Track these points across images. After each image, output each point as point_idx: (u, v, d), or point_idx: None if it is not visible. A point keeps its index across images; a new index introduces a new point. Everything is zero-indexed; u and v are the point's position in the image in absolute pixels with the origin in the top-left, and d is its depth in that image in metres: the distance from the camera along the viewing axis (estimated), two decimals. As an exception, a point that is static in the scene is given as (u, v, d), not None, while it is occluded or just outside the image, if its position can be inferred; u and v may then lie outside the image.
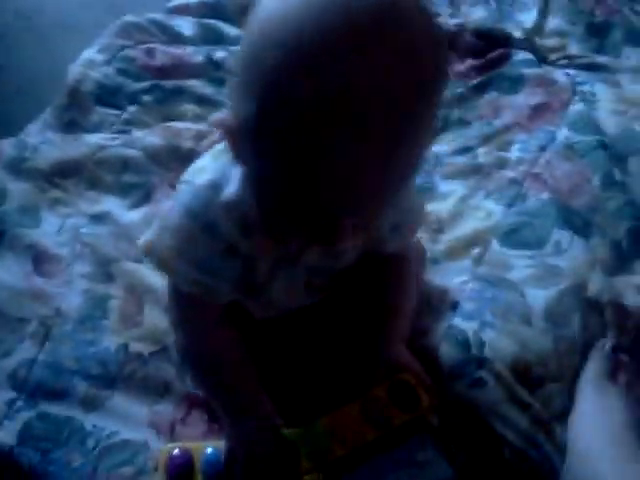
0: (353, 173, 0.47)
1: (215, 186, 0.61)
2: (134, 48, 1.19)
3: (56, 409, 0.78)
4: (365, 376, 0.74)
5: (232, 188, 0.60)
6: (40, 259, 0.93)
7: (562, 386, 0.77)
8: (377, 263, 0.75)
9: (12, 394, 0.79)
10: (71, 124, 1.11)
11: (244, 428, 0.68)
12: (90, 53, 1.19)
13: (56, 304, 0.88)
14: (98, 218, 0.98)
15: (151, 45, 1.20)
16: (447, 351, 0.78)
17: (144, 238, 0.67)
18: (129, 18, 1.24)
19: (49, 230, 0.97)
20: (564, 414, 0.75)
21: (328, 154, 0.46)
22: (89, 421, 0.78)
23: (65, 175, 1.03)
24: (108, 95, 1.14)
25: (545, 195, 0.97)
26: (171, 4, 1.31)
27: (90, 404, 0.79)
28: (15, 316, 0.86)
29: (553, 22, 1.25)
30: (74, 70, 1.16)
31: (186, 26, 1.25)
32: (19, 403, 0.79)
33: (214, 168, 0.63)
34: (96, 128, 1.11)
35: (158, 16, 1.26)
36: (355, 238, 0.54)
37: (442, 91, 0.49)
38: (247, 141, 0.50)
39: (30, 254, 0.93)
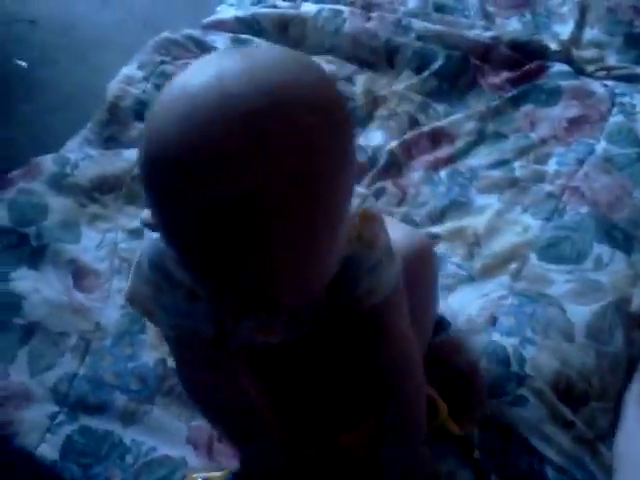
0: (270, 266, 0.47)
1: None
2: (171, 64, 1.21)
3: (96, 423, 0.80)
4: (376, 391, 0.71)
5: None
6: (80, 274, 0.95)
7: (606, 404, 0.76)
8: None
9: (54, 408, 0.81)
10: (110, 140, 1.13)
11: (253, 452, 0.68)
12: (129, 69, 1.21)
13: (95, 318, 0.89)
14: (136, 233, 1.00)
15: (188, 60, 1.22)
16: (486, 367, 0.77)
17: (127, 287, 0.67)
18: (166, 34, 1.26)
19: (89, 245, 0.98)
20: (609, 433, 0.73)
21: (240, 255, 0.46)
22: (128, 436, 0.78)
23: (104, 190, 1.05)
24: (147, 111, 1.15)
25: (584, 209, 0.96)
26: (207, 20, 1.33)
27: (129, 419, 0.80)
28: (56, 330, 0.88)
29: (590, 33, 1.24)
30: (113, 87, 1.18)
31: (221, 41, 1.26)
32: (61, 417, 0.80)
33: None
34: (135, 143, 1.12)
35: (194, 32, 1.28)
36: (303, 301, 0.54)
37: (341, 164, 0.48)
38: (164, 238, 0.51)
39: (70, 269, 0.95)
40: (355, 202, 0.58)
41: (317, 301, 0.63)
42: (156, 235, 0.60)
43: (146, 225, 0.58)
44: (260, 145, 0.43)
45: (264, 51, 0.50)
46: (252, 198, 0.43)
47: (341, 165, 0.48)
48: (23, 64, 1.47)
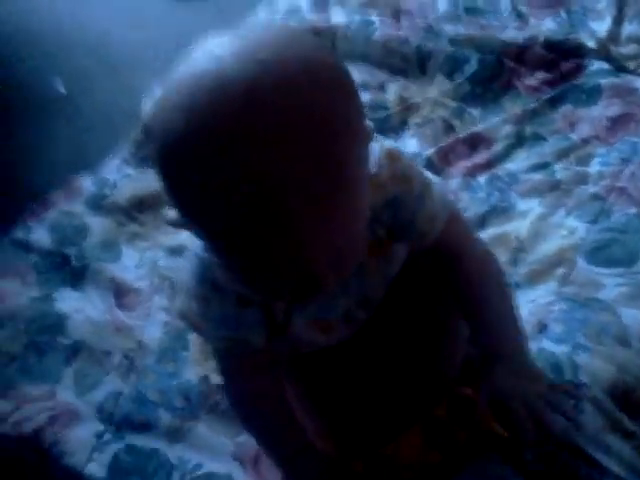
0: (302, 248, 0.47)
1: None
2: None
3: (142, 441, 0.80)
4: (424, 397, 0.72)
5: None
6: (121, 293, 0.95)
7: (667, 412, 0.72)
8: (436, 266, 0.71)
9: (100, 426, 0.81)
10: (147, 159, 1.13)
11: (295, 467, 0.68)
12: (162, 88, 1.22)
13: (138, 337, 0.89)
14: (175, 250, 1.00)
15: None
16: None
17: (176, 304, 0.68)
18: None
19: (129, 264, 0.99)
20: (671, 443, 0.70)
21: (270, 241, 0.46)
22: (174, 453, 0.78)
23: (142, 209, 1.06)
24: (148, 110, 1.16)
25: (632, 209, 0.92)
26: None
27: (174, 436, 0.80)
28: (100, 349, 0.88)
29: (629, 28, 1.20)
30: (148, 104, 1.19)
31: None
32: (107, 435, 0.80)
33: None
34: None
35: (226, 49, 1.28)
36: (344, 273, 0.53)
37: (355, 141, 0.47)
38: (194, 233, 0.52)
39: (111, 288, 0.96)
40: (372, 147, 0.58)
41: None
42: (197, 250, 0.61)
43: (170, 224, 0.59)
44: (265, 122, 0.42)
45: (254, 29, 0.50)
46: (262, 178, 0.43)
47: (349, 128, 0.47)
48: (62, 91, 1.50)
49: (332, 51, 0.50)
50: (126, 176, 1.09)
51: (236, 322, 0.64)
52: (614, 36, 1.20)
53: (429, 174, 0.66)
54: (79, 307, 0.93)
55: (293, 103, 0.43)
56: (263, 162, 0.43)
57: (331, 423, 0.74)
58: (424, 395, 0.73)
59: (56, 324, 0.90)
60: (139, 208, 1.06)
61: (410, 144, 1.10)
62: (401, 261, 0.67)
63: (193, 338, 0.88)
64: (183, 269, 0.64)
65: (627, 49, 1.17)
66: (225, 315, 0.63)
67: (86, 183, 1.08)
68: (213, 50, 0.45)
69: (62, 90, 1.50)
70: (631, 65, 1.15)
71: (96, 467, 0.78)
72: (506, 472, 0.67)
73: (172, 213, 0.51)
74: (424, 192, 0.63)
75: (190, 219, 0.48)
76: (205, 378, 0.83)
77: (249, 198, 0.43)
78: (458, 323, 0.73)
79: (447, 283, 0.71)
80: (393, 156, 0.61)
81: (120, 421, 0.81)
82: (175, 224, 0.53)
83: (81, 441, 0.80)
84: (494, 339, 0.68)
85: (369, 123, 0.52)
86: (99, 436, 0.80)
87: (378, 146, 0.60)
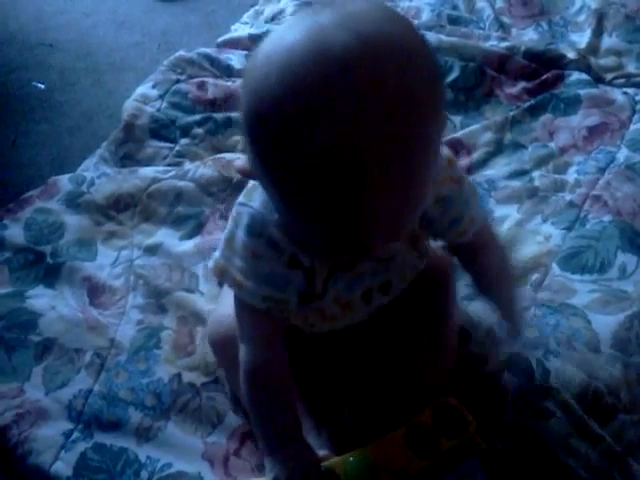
0: (367, 215, 0.49)
1: (267, 205, 0.63)
2: (187, 82, 1.22)
3: (111, 440, 0.78)
4: (409, 401, 0.73)
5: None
6: (95, 291, 0.94)
7: (635, 417, 0.73)
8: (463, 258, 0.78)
9: (69, 425, 0.80)
10: (126, 158, 1.13)
11: (286, 454, 0.68)
12: (144, 88, 1.22)
13: (110, 335, 0.88)
14: (151, 250, 0.99)
15: (203, 79, 1.23)
16: (510, 380, 0.75)
17: (213, 261, 0.69)
18: (181, 53, 1.27)
19: (104, 263, 0.98)
20: (639, 447, 0.70)
21: (339, 202, 0.48)
22: (143, 452, 0.77)
23: (120, 208, 1.05)
24: (162, 128, 1.16)
25: (607, 218, 0.93)
26: (221, 39, 1.34)
27: (144, 435, 0.79)
28: (71, 347, 0.87)
29: (608, 41, 1.22)
30: (129, 105, 1.18)
31: (236, 59, 1.27)
32: (76, 434, 0.79)
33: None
34: (150, 161, 1.13)
35: (209, 50, 1.29)
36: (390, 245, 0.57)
37: (439, 122, 0.50)
38: (265, 187, 0.55)
39: (86, 286, 0.95)
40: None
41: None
42: (255, 205, 0.64)
43: (240, 173, 0.61)
44: (359, 93, 0.44)
45: (355, 4, 0.50)
46: (349, 148, 0.45)
47: (436, 113, 0.49)
48: (41, 86, 1.50)
49: (422, 34, 0.52)
50: (104, 175, 1.08)
51: (283, 281, 0.65)
52: (593, 48, 1.22)
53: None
54: (52, 305, 0.91)
55: (387, 79, 0.45)
56: (348, 133, 0.45)
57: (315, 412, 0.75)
58: (408, 400, 0.73)
59: (28, 321, 0.89)
60: (117, 207, 1.05)
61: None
62: (426, 259, 0.73)
63: (167, 336, 0.87)
64: (235, 224, 0.65)
65: (605, 61, 1.19)
66: (273, 273, 0.65)
67: (63, 181, 1.07)
68: (316, 18, 0.47)
69: (41, 86, 1.49)
70: (609, 76, 1.17)
71: (62, 466, 0.76)
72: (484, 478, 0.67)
73: (242, 163, 0.55)
74: (471, 196, 0.70)
75: (267, 173, 0.51)
76: (177, 376, 0.82)
77: (330, 164, 0.46)
78: (445, 339, 0.77)
79: (474, 268, 0.78)
80: (452, 162, 0.67)
81: (89, 420, 0.80)
82: (245, 174, 0.56)
83: (48, 440, 0.78)
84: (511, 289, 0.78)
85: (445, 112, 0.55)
86: (67, 435, 0.79)
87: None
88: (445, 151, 0.65)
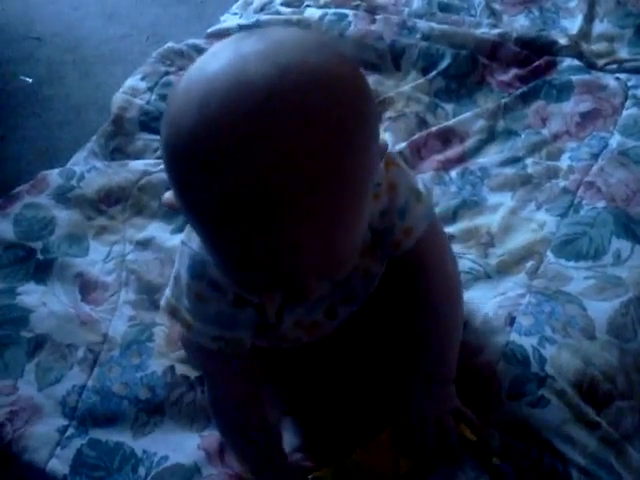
0: (292, 253, 0.46)
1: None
2: (176, 74, 1.21)
3: (106, 435, 0.78)
4: (392, 403, 0.72)
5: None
6: (87, 287, 0.94)
7: (632, 403, 0.73)
8: (399, 283, 0.72)
9: (63, 421, 0.79)
10: (116, 151, 1.12)
11: (265, 477, 0.69)
12: (133, 81, 1.20)
13: (103, 330, 0.88)
14: (143, 244, 0.99)
15: (192, 71, 1.21)
16: (506, 369, 0.74)
17: (165, 299, 0.67)
18: (170, 45, 1.26)
19: (96, 258, 0.97)
20: (636, 433, 0.70)
21: (263, 244, 0.45)
22: (139, 446, 0.77)
23: (111, 202, 1.04)
24: (152, 121, 1.15)
25: (601, 204, 0.93)
26: (211, 30, 1.33)
27: (139, 429, 0.78)
28: (64, 343, 0.86)
29: (600, 27, 1.21)
30: (118, 98, 1.17)
31: (226, 50, 1.25)
32: (70, 430, 0.79)
33: None
34: (140, 154, 1.12)
35: (198, 42, 1.27)
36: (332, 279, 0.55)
37: (369, 149, 0.47)
38: (190, 225, 0.52)
39: (77, 283, 0.94)
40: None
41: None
42: (196, 246, 0.61)
43: (168, 207, 0.59)
44: (282, 129, 0.42)
45: (280, 32, 0.49)
46: (271, 186, 0.42)
47: (367, 143, 0.46)
48: (28, 80, 1.48)
49: (354, 62, 0.49)
50: (94, 169, 1.07)
51: (231, 321, 0.63)
52: (585, 34, 1.21)
53: (418, 180, 0.66)
54: (43, 301, 0.91)
55: (310, 111, 0.42)
56: (270, 167, 0.42)
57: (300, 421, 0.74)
58: (392, 401, 0.73)
59: (19, 318, 0.88)
60: (107, 201, 1.04)
61: (383, 138, 1.10)
62: (385, 262, 0.68)
63: (159, 331, 0.86)
64: (179, 263, 0.63)
65: (598, 46, 1.19)
66: (221, 313, 0.62)
67: (52, 176, 1.06)
68: (238, 47, 0.45)
69: (28, 80, 1.47)
70: (601, 62, 1.16)
71: (58, 463, 0.76)
72: (476, 476, 0.67)
73: (170, 196, 0.51)
74: (408, 203, 0.64)
75: (187, 211, 0.48)
76: (170, 369, 0.82)
77: (252, 200, 0.43)
78: None
79: (407, 292, 0.71)
80: (389, 163, 0.61)
81: (83, 415, 0.79)
82: (173, 208, 0.53)
83: (43, 437, 0.78)
84: (439, 361, 0.71)
85: (383, 140, 0.51)
86: (62, 431, 0.78)
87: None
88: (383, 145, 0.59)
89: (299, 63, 0.43)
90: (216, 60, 0.45)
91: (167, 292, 0.66)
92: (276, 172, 0.42)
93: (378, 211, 0.61)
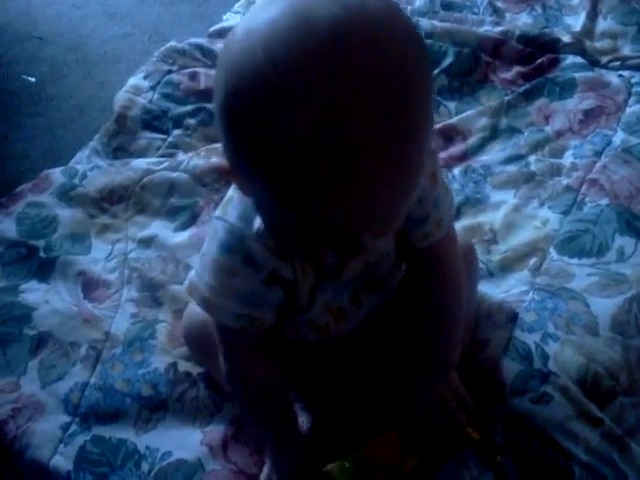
0: (350, 203, 0.45)
1: (245, 218, 0.60)
2: (178, 73, 1.21)
3: (109, 432, 0.78)
4: (401, 401, 0.72)
5: (259, 218, 0.59)
6: (90, 285, 0.94)
7: (635, 399, 0.72)
8: (412, 275, 0.73)
9: (66, 418, 0.79)
10: (118, 150, 1.12)
11: (278, 453, 0.69)
12: (136, 79, 1.21)
13: (105, 328, 0.88)
14: (146, 242, 0.99)
15: (195, 69, 1.21)
16: (509, 365, 0.74)
17: (188, 279, 0.67)
18: (172, 44, 1.26)
19: (98, 256, 0.97)
20: (639, 429, 0.70)
21: (320, 190, 0.44)
22: (142, 442, 0.77)
23: (113, 201, 1.04)
24: (154, 120, 1.15)
25: (604, 201, 0.93)
26: (213, 29, 1.33)
27: (142, 425, 0.78)
28: (66, 340, 0.86)
29: (603, 24, 1.21)
30: (120, 97, 1.17)
31: (228, 49, 1.25)
32: (73, 427, 0.79)
33: (240, 200, 0.62)
34: (143, 153, 1.12)
35: (201, 40, 1.27)
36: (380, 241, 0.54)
37: (429, 95, 0.47)
38: (244, 181, 0.51)
39: (80, 281, 0.94)
40: None
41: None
42: (232, 220, 0.60)
43: (220, 172, 0.56)
44: (352, 67, 0.41)
45: None
46: (346, 125, 0.42)
47: (428, 92, 0.46)
48: (31, 79, 1.48)
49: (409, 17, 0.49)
50: (97, 167, 1.07)
51: (259, 299, 0.63)
52: (588, 31, 1.21)
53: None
54: (46, 299, 0.91)
55: (379, 48, 0.42)
56: (338, 109, 0.41)
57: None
58: (400, 399, 0.73)
59: (22, 315, 0.88)
60: (110, 200, 1.04)
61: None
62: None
63: (162, 328, 0.86)
64: (209, 240, 0.63)
65: (601, 44, 1.19)
66: (250, 290, 0.62)
67: (55, 174, 1.06)
68: None
69: (31, 79, 1.48)
70: (604, 59, 1.16)
71: (62, 459, 0.76)
72: (480, 474, 0.67)
73: (220, 160, 0.50)
74: (443, 195, 0.65)
75: (251, 159, 0.46)
76: (173, 365, 0.82)
77: (325, 143, 0.42)
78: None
79: (419, 285, 0.72)
80: (431, 151, 0.61)
81: (86, 412, 0.79)
82: (226, 172, 0.51)
83: (46, 434, 0.78)
84: (445, 347, 0.71)
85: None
86: (65, 428, 0.78)
87: None
88: None
89: (362, 4, 0.43)
90: (274, 5, 0.44)
91: (191, 273, 0.66)
92: (349, 108, 0.41)
93: (417, 196, 0.61)
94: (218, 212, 0.63)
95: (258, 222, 0.59)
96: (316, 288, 0.66)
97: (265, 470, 0.70)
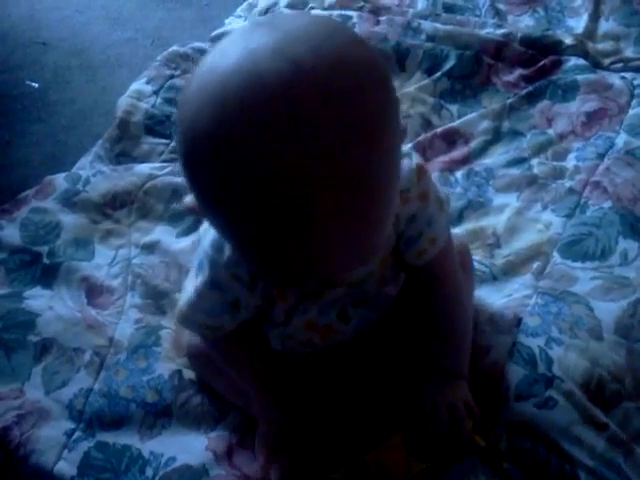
0: (319, 247, 0.46)
1: (217, 246, 0.61)
2: (181, 77, 1.21)
3: (113, 438, 0.78)
4: (405, 407, 0.72)
5: (230, 248, 0.60)
6: (93, 292, 0.94)
7: (640, 404, 0.72)
8: (414, 289, 0.73)
9: (70, 424, 0.79)
10: (121, 155, 1.12)
11: (264, 403, 0.73)
12: (138, 84, 1.21)
13: (109, 334, 0.88)
14: (149, 248, 0.99)
15: (197, 74, 1.21)
16: (513, 369, 0.74)
17: (180, 309, 0.71)
18: (175, 48, 1.26)
19: (102, 262, 0.97)
20: (644, 434, 0.70)
21: (276, 240, 0.46)
22: (146, 448, 0.77)
23: (116, 206, 1.05)
24: (157, 125, 1.15)
25: (607, 204, 0.92)
26: (215, 33, 1.33)
27: (147, 432, 0.78)
28: (70, 346, 0.86)
29: (605, 26, 1.21)
30: (123, 102, 1.18)
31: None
32: (78, 433, 0.79)
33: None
34: (146, 158, 1.12)
35: (203, 45, 1.28)
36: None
37: (393, 146, 0.47)
38: (213, 225, 0.51)
39: (83, 287, 0.94)
40: (403, 162, 0.58)
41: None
42: (207, 242, 0.62)
43: (190, 210, 0.60)
44: (303, 123, 0.41)
45: (288, 21, 0.46)
46: (293, 180, 0.42)
47: (390, 128, 0.46)
48: (34, 85, 1.49)
49: (368, 45, 0.48)
50: (100, 173, 1.08)
51: (226, 313, 0.66)
52: (590, 33, 1.21)
53: (440, 192, 0.67)
54: (50, 305, 0.91)
55: (329, 107, 0.42)
56: (294, 167, 0.41)
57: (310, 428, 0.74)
58: (405, 404, 0.73)
59: (26, 322, 0.88)
60: (113, 205, 1.04)
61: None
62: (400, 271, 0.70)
63: (165, 334, 0.86)
64: (196, 263, 0.65)
65: (603, 45, 1.18)
66: (215, 308, 0.66)
67: (59, 180, 1.06)
68: (247, 44, 0.43)
69: (34, 84, 1.48)
70: (606, 61, 1.16)
71: (66, 466, 0.76)
72: (485, 477, 0.67)
73: (190, 200, 0.52)
74: (436, 213, 0.65)
75: (211, 211, 0.48)
76: (177, 372, 0.82)
77: (277, 198, 0.43)
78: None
79: (421, 300, 0.72)
80: (421, 172, 0.62)
81: (90, 418, 0.79)
82: (195, 211, 0.53)
83: (50, 440, 0.78)
84: (453, 358, 0.72)
85: (403, 122, 0.52)
86: (69, 434, 0.78)
87: (408, 162, 0.61)
88: (415, 159, 0.62)
89: (311, 54, 0.42)
90: (225, 59, 0.43)
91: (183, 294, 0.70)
92: (298, 164, 0.41)
93: (407, 215, 0.62)
94: (199, 236, 0.66)
95: (228, 250, 0.60)
96: (296, 308, 0.66)
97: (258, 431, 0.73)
